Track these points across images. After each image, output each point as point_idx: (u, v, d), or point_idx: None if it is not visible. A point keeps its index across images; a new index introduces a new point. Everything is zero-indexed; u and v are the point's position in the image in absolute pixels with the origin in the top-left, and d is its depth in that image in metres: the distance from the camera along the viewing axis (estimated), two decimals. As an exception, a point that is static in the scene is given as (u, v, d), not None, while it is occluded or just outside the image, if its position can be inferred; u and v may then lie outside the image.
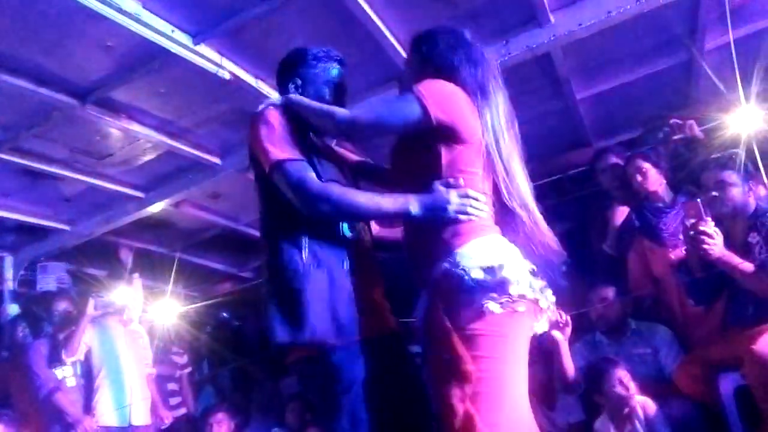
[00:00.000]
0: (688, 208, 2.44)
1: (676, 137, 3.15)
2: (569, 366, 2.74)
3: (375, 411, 1.37)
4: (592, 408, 2.79)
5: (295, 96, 1.59)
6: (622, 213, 3.21)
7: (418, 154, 1.47)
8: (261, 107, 1.55)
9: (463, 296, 1.31)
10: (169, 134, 3.13)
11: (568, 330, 2.72)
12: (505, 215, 1.51)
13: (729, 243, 2.40)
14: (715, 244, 2.34)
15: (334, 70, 1.66)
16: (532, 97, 3.37)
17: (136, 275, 3.99)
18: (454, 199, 1.39)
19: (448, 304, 1.33)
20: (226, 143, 3.36)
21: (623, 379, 2.52)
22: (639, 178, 2.96)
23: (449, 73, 1.50)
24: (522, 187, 1.51)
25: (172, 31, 2.39)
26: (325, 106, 1.54)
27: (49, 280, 4.09)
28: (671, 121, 3.19)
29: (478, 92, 1.49)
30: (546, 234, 1.53)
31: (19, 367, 3.44)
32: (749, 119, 2.76)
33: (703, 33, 2.94)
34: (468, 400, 1.25)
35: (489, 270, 1.32)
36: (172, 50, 2.45)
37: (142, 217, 3.81)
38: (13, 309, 3.98)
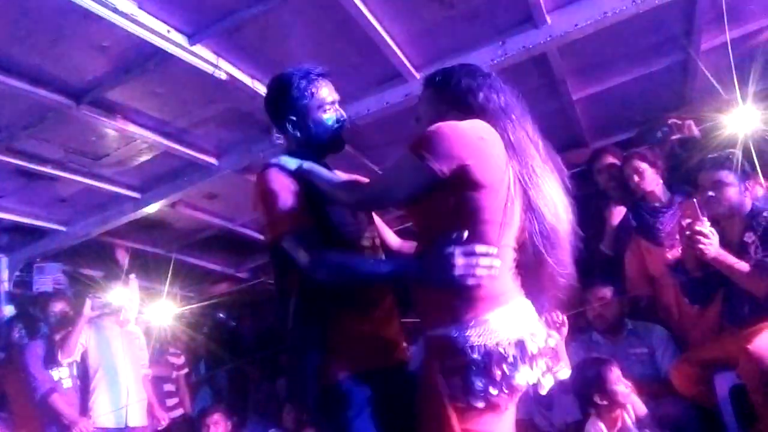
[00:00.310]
0: (685, 208, 2.44)
1: (674, 137, 3.16)
2: (566, 366, 2.74)
3: None
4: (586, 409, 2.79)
5: (308, 165, 1.54)
6: (619, 213, 3.21)
7: (432, 202, 1.38)
8: (267, 167, 1.54)
9: (465, 372, 1.26)
10: (165, 135, 3.12)
11: (565, 330, 2.73)
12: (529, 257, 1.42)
13: (725, 242, 2.41)
14: (711, 243, 2.34)
15: (324, 90, 1.62)
16: (528, 97, 3.31)
17: (132, 276, 3.98)
18: (458, 260, 1.23)
19: (446, 371, 1.29)
20: (223, 143, 3.35)
21: (620, 377, 2.52)
22: (636, 178, 2.96)
23: (477, 113, 1.42)
24: (556, 219, 1.42)
25: (168, 31, 2.38)
26: (337, 181, 1.55)
27: (45, 281, 4.07)
28: (670, 120, 3.20)
29: (511, 143, 1.41)
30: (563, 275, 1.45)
31: (15, 368, 3.43)
32: (746, 119, 2.77)
33: (699, 33, 2.95)
34: None
35: (496, 357, 1.27)
36: (168, 50, 2.44)
37: (139, 218, 3.80)
38: (8, 310, 3.96)
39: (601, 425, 2.50)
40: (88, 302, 3.44)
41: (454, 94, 1.46)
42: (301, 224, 1.46)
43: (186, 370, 4.55)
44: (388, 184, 1.49)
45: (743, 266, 2.36)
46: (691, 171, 2.89)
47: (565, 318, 2.70)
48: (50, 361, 3.36)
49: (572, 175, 4.13)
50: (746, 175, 2.54)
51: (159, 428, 3.97)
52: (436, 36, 2.74)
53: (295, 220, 1.46)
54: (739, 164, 2.50)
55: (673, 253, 2.81)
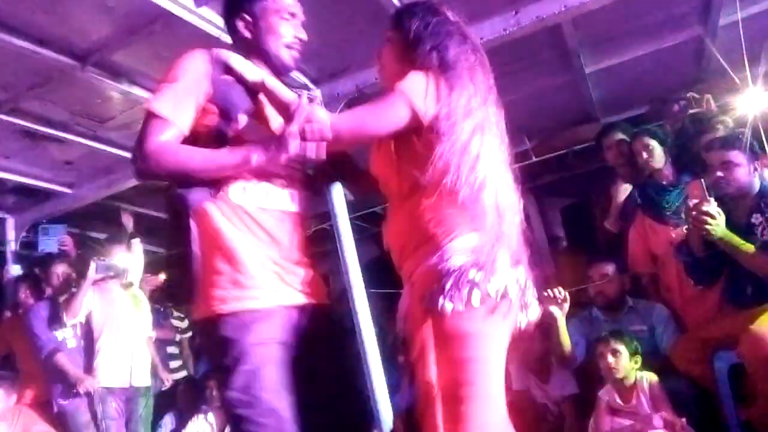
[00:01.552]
0: (692, 188, 2.43)
1: (693, 110, 3.11)
2: (566, 341, 2.77)
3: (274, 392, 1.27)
4: (587, 381, 2.83)
5: (259, 73, 1.40)
6: (625, 190, 3.20)
7: (407, 149, 1.35)
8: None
9: (449, 291, 1.22)
10: (171, 98, 3.09)
11: (566, 306, 2.75)
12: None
13: (731, 223, 2.39)
14: (717, 224, 2.33)
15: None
16: (540, 69, 3.32)
17: (136, 239, 4.00)
18: (293, 131, 1.26)
19: (431, 301, 1.24)
20: (228, 108, 3.32)
21: None
22: (645, 155, 2.93)
23: (423, 55, 1.39)
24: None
25: (174, -8, 2.34)
26: (295, 98, 1.36)
27: (50, 242, 4.09)
28: (688, 94, 3.15)
29: (451, 73, 1.36)
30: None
31: (20, 328, 3.48)
32: (757, 99, 2.72)
33: (718, 8, 2.87)
34: (455, 402, 1.21)
35: (476, 264, 1.23)
36: (174, 12, 2.40)
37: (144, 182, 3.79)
38: (15, 270, 4.00)
39: (616, 395, 2.54)
40: (93, 265, 3.46)
41: (414, 46, 1.41)
42: (179, 117, 1.31)
43: (190, 334, 4.61)
44: (365, 120, 1.36)
45: (748, 247, 2.36)
46: (700, 150, 2.87)
47: (566, 294, 2.71)
48: (54, 321, 3.40)
49: (581, 150, 4.13)
50: (755, 155, 2.50)
51: (162, 389, 4.05)
52: (448, 3, 2.68)
53: (177, 109, 1.31)
54: (749, 144, 2.47)
55: (678, 233, 2.81)
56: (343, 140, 1.35)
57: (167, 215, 1.42)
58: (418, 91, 1.33)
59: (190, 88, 1.34)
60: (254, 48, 1.47)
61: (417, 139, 1.34)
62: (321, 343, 1.38)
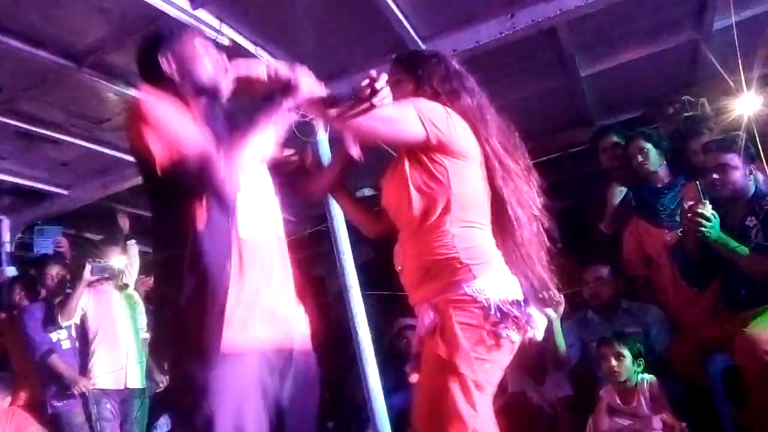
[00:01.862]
0: (687, 190, 2.44)
1: (687, 114, 3.12)
2: (561, 343, 2.77)
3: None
4: (582, 382, 2.84)
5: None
6: (620, 193, 3.20)
7: (419, 170, 1.46)
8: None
9: (484, 324, 1.36)
10: (167, 101, 3.09)
11: (561, 308, 2.75)
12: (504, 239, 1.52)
13: (726, 225, 2.40)
14: (712, 226, 2.34)
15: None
16: (535, 72, 3.33)
17: (132, 241, 3.99)
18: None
19: (464, 328, 1.36)
20: (225, 110, 3.31)
21: None
22: (640, 158, 2.94)
23: (448, 98, 1.52)
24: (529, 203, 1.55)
25: (170, -6, 2.34)
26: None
27: (45, 244, 4.08)
28: (684, 97, 3.16)
29: (479, 117, 1.52)
30: (541, 264, 1.55)
31: (15, 329, 3.46)
32: (753, 102, 2.73)
33: (713, 12, 2.89)
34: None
35: (509, 303, 1.38)
36: (170, 14, 2.39)
37: (140, 183, 3.78)
38: (10, 271, 3.99)
39: (616, 396, 2.55)
40: (88, 266, 3.45)
41: (433, 89, 1.54)
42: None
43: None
44: (378, 123, 1.42)
45: (743, 250, 2.36)
46: (691, 153, 2.88)
47: (561, 296, 2.71)
48: (49, 322, 3.39)
49: (575, 153, 4.14)
50: (751, 158, 2.52)
51: (157, 391, 4.04)
52: (443, 6, 2.69)
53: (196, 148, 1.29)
54: (745, 147, 2.48)
55: (672, 235, 2.82)
56: (352, 130, 1.46)
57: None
58: (429, 110, 1.44)
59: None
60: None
61: (430, 164, 1.45)
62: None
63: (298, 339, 1.43)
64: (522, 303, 1.40)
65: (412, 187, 1.46)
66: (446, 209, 1.43)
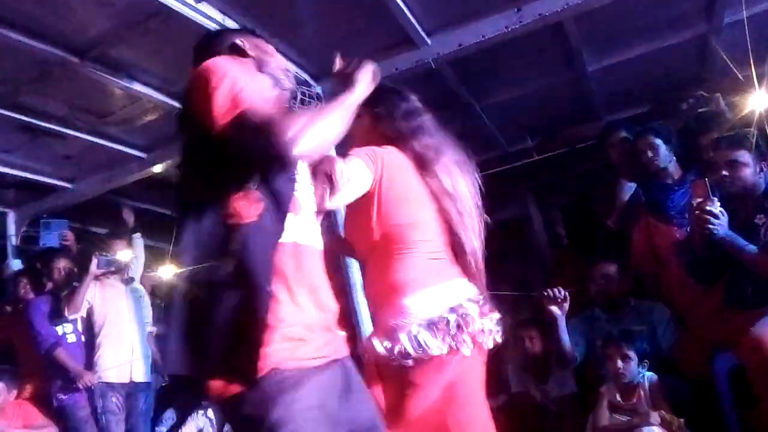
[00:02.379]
0: (696, 187, 2.40)
1: (701, 110, 3.08)
2: (566, 341, 2.75)
3: None
4: (586, 380, 2.82)
5: None
6: (629, 189, 3.17)
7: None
8: None
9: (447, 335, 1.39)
10: (171, 95, 3.07)
11: (566, 305, 2.73)
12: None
13: (735, 223, 2.37)
14: (720, 224, 2.31)
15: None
16: (542, 67, 3.29)
17: (137, 234, 4.00)
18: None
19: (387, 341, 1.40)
20: (228, 104, 3.30)
21: None
22: (649, 153, 2.90)
23: (400, 141, 1.60)
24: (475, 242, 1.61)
25: (173, -13, 2.32)
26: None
27: (51, 237, 4.09)
28: (698, 93, 3.12)
29: (432, 159, 1.60)
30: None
31: (21, 322, 3.48)
32: (764, 98, 2.69)
33: (723, 6, 2.84)
34: None
35: (435, 322, 1.40)
36: (174, 8, 2.38)
37: (145, 177, 3.79)
38: (16, 264, 4.01)
39: (617, 393, 2.54)
40: (95, 260, 3.47)
41: (387, 128, 1.64)
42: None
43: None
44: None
45: (752, 248, 2.33)
46: (704, 149, 2.84)
47: (566, 294, 2.70)
48: (55, 316, 3.41)
49: (583, 149, 4.11)
50: (762, 155, 2.48)
51: (163, 384, 4.05)
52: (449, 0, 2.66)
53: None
54: (756, 144, 2.44)
55: (682, 232, 2.78)
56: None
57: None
58: (371, 156, 1.52)
59: None
60: None
61: (373, 201, 1.51)
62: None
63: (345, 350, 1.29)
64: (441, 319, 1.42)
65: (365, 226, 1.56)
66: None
